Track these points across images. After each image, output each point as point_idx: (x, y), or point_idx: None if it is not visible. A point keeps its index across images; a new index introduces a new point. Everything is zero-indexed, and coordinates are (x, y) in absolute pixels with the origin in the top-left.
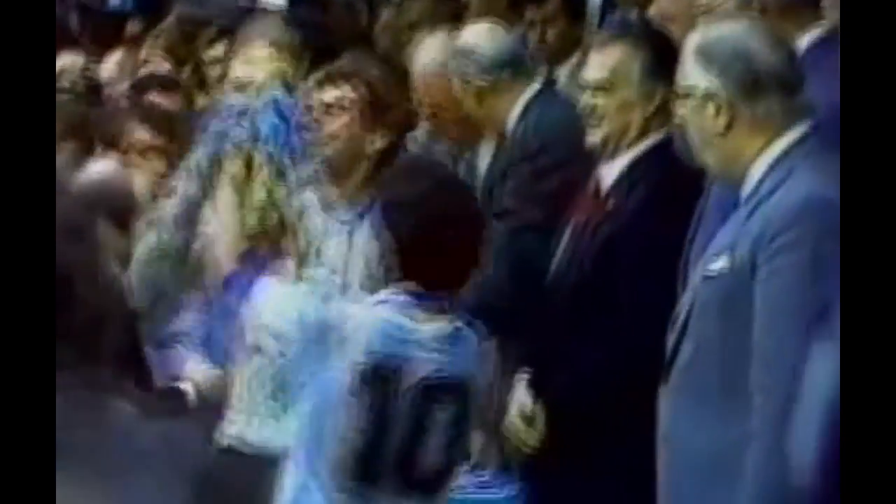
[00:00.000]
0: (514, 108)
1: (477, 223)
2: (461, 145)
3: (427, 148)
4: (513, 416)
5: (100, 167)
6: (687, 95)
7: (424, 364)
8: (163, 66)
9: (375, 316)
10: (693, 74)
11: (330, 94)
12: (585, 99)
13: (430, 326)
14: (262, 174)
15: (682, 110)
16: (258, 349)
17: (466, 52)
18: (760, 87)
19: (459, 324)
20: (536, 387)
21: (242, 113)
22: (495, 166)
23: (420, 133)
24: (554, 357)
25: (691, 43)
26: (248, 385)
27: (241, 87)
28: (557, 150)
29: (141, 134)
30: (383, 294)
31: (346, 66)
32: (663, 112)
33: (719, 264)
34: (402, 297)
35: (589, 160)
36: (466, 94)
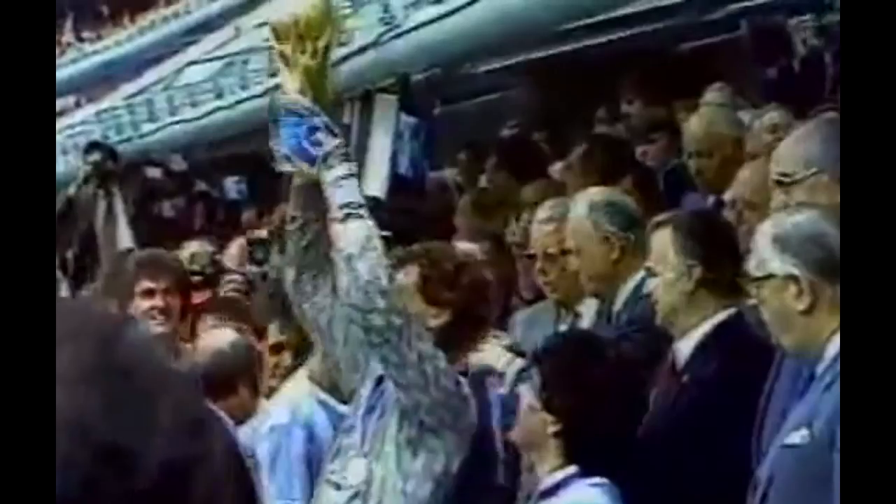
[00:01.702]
0: (630, 282)
1: None
2: (564, 303)
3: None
4: None
5: (220, 336)
6: (764, 279)
7: None
8: None
9: None
10: (772, 261)
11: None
12: (647, 282)
13: None
14: None
15: (762, 294)
16: None
17: (609, 205)
18: (838, 269)
19: None
20: None
21: None
22: (602, 325)
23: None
24: None
25: (766, 232)
26: None
27: None
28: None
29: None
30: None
31: (415, 249)
32: (720, 290)
33: (799, 436)
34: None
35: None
36: (608, 248)
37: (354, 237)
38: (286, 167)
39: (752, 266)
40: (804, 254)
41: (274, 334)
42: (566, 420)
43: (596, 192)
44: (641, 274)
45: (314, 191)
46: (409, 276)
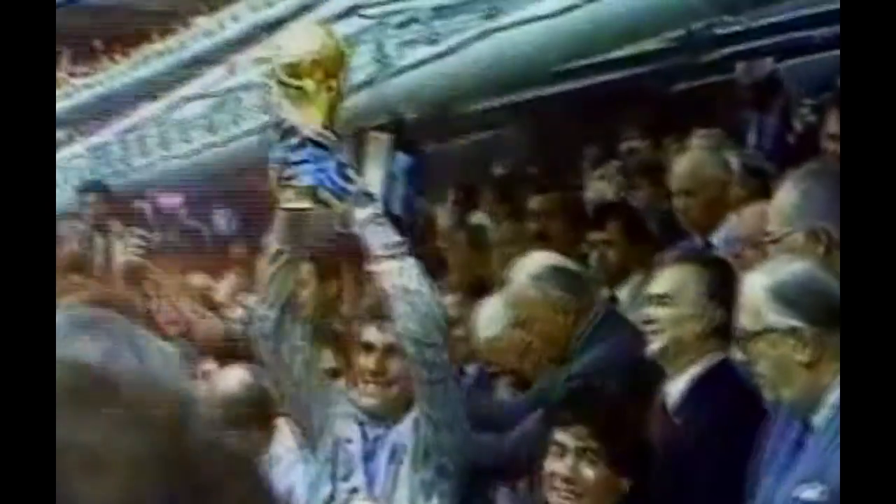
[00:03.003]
0: (585, 328)
1: None
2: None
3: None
4: None
5: (228, 380)
6: (761, 333)
7: None
8: None
9: None
10: (768, 314)
11: None
12: (647, 310)
13: None
14: None
15: (758, 347)
16: None
17: (553, 270)
18: (837, 316)
19: None
20: None
21: None
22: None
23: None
24: None
25: (757, 284)
26: None
27: None
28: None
29: None
30: None
31: None
32: (720, 335)
33: (817, 492)
34: None
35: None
36: (554, 313)
37: (409, 274)
38: (303, 201)
39: (744, 319)
40: (804, 305)
41: None
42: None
43: (538, 259)
44: (595, 321)
45: (301, 223)
46: None
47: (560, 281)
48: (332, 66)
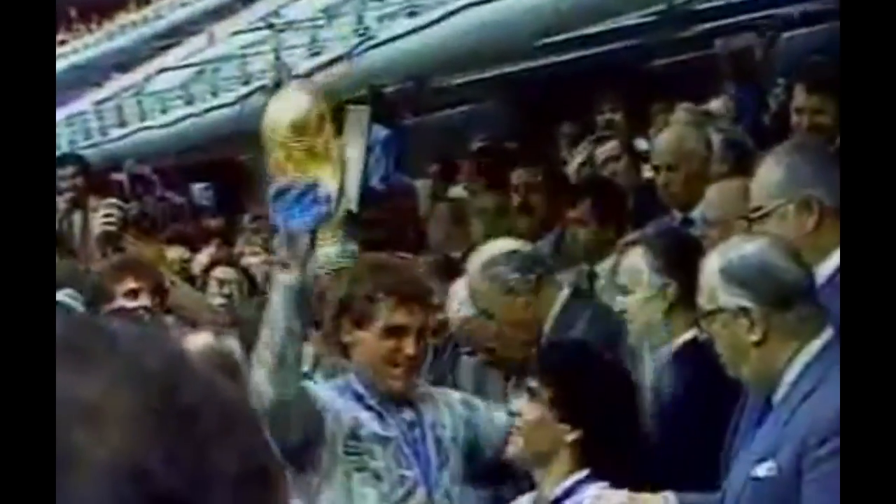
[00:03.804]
0: (554, 307)
1: None
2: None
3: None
4: None
5: (199, 340)
6: (715, 313)
7: None
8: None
9: None
10: (720, 295)
11: None
12: (617, 300)
13: None
14: None
15: (713, 327)
16: None
17: (504, 256)
18: (789, 298)
19: None
20: None
21: None
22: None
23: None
24: None
25: (712, 264)
26: None
27: None
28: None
29: None
30: None
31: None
32: (687, 311)
33: (765, 468)
34: None
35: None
36: (513, 297)
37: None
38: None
39: (701, 299)
40: (753, 285)
41: None
42: (585, 426)
43: (489, 249)
44: (563, 298)
45: (303, 298)
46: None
47: (510, 264)
48: (328, 119)
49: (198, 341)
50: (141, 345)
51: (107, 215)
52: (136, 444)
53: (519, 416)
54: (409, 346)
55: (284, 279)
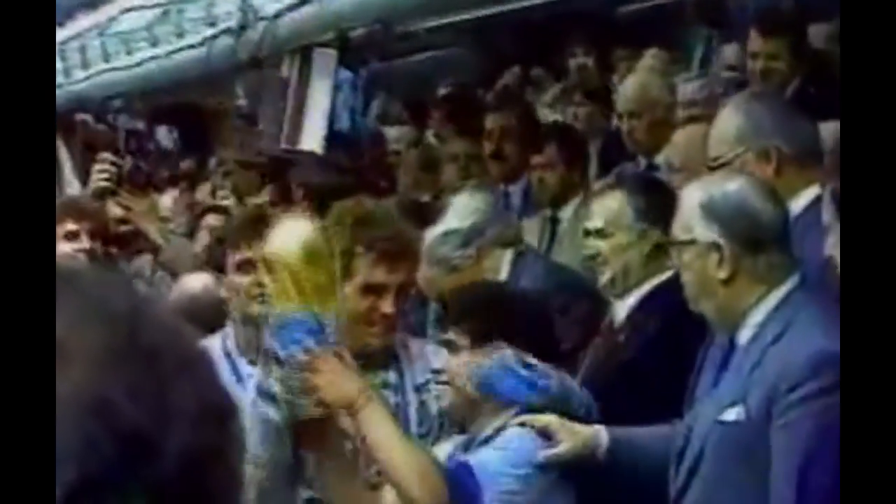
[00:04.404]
0: (501, 273)
1: None
2: None
3: None
4: None
5: (193, 282)
6: (688, 244)
7: None
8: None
9: None
10: (696, 227)
11: None
12: (589, 244)
13: None
14: None
15: (684, 257)
16: None
17: (441, 237)
18: (762, 241)
19: None
20: None
21: None
22: None
23: None
24: None
25: (693, 197)
26: None
27: None
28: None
29: None
30: None
31: None
32: (664, 254)
33: (734, 412)
34: None
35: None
36: (459, 276)
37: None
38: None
39: (676, 228)
40: (729, 222)
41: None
42: None
43: (428, 234)
44: (508, 260)
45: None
46: None
47: (448, 244)
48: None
49: (195, 282)
50: (106, 287)
51: (102, 171)
52: (100, 379)
53: (442, 373)
54: (387, 305)
55: (269, 413)
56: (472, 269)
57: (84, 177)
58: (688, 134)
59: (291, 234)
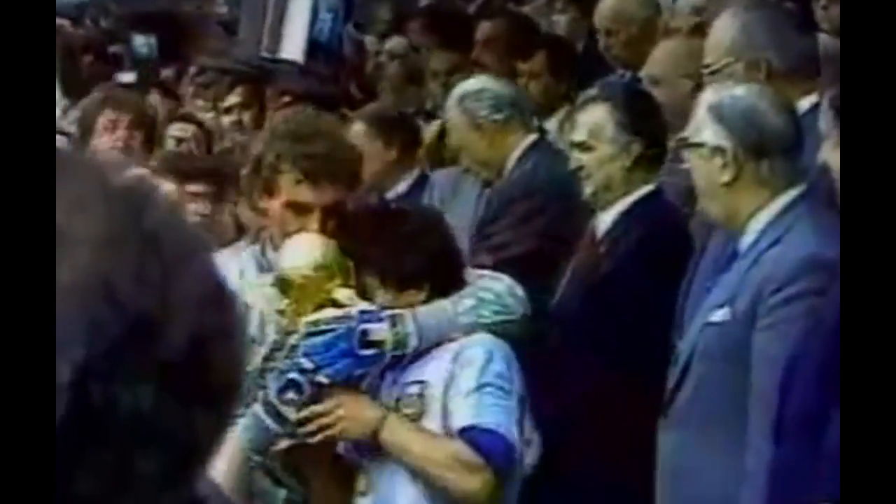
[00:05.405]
0: (515, 151)
1: None
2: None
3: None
4: None
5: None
6: (696, 146)
7: None
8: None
9: None
10: (704, 129)
11: None
12: (573, 156)
13: None
14: None
15: (693, 159)
16: None
17: (477, 93)
18: (766, 148)
19: None
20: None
21: None
22: (489, 205)
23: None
24: (545, 387)
25: (705, 100)
26: None
27: None
28: (549, 195)
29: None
30: None
31: None
32: (649, 165)
33: (721, 313)
34: None
35: (586, 209)
36: (480, 135)
37: None
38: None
39: (689, 130)
40: (735, 127)
41: None
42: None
43: (467, 83)
44: (526, 143)
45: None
46: None
47: (482, 101)
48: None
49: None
50: (104, 167)
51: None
52: (104, 263)
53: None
54: (312, 226)
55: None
56: (492, 135)
57: (65, 82)
58: (668, 47)
59: (302, 250)
